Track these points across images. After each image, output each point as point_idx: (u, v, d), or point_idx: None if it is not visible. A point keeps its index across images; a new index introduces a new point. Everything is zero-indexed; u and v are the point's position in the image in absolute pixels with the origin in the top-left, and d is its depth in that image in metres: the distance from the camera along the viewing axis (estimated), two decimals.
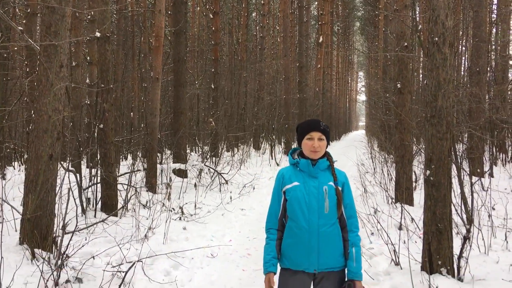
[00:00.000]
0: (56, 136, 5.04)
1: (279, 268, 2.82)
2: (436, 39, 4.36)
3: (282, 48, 21.26)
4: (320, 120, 2.79)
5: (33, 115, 5.13)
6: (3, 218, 5.10)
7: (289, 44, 21.12)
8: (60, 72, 5.04)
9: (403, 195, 7.75)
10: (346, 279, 2.71)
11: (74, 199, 6.70)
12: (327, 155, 2.79)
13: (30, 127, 5.90)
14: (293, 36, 29.80)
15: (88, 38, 10.12)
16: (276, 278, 2.76)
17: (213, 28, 17.27)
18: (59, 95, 5.03)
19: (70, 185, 6.45)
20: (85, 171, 9.27)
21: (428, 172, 4.40)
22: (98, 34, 7.34)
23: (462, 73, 20.57)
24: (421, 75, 20.19)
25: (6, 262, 4.51)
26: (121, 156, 15.41)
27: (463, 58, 20.95)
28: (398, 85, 7.96)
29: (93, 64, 10.55)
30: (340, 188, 2.71)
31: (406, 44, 7.96)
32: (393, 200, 8.06)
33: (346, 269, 2.72)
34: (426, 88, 4.45)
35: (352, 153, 18.05)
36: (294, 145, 23.58)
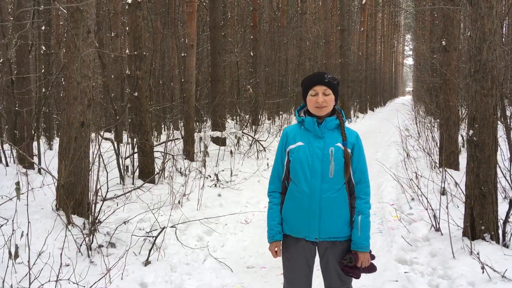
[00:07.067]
0: (86, 103, 5.04)
1: None
2: None
3: (322, 11, 20.57)
4: (325, 72, 2.48)
5: (63, 82, 5.15)
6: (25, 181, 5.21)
7: (329, 7, 20.38)
8: (88, 38, 4.99)
9: (447, 159, 7.36)
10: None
11: (106, 167, 6.78)
12: (337, 113, 2.51)
13: (61, 95, 5.96)
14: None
15: (126, 5, 10.05)
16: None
17: None
18: (88, 61, 5.00)
19: (98, 153, 6.53)
20: (123, 139, 9.40)
21: (471, 132, 4.08)
22: (129, 0, 7.25)
23: None
24: (468, 32, 18.84)
25: (42, 228, 4.62)
26: (163, 126, 15.60)
27: None
28: (443, 42, 7.45)
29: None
30: (349, 150, 2.43)
31: None
32: (437, 165, 7.70)
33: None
34: (469, 40, 4.08)
35: (395, 119, 17.44)
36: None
